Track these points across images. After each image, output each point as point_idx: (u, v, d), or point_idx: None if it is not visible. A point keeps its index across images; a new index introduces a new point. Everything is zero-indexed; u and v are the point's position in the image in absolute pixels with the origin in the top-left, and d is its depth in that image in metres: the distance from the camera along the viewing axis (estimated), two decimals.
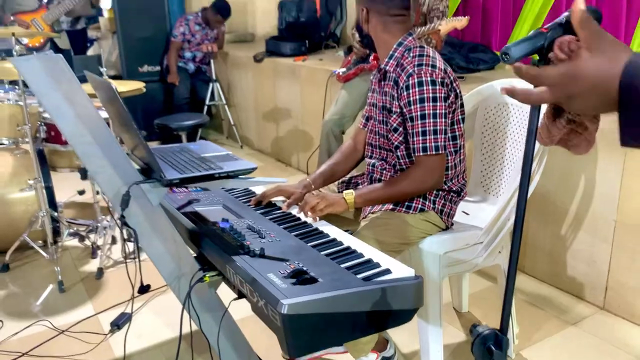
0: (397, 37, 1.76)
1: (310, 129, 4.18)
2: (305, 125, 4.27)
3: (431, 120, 1.67)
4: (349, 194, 1.70)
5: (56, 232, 2.96)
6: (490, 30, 3.46)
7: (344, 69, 3.16)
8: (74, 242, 3.13)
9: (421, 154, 1.69)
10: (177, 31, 5.05)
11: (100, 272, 2.75)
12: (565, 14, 0.86)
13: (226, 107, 5.21)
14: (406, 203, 1.79)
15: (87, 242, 3.09)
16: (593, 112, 0.81)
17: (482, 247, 1.89)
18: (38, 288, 2.67)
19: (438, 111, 1.67)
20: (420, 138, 1.69)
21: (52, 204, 2.97)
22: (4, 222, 2.84)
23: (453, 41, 3.45)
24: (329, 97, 3.37)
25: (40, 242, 2.93)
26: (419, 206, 1.79)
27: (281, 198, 1.75)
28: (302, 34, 4.52)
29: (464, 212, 2.07)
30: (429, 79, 1.66)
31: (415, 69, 1.68)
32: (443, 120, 1.69)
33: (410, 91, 1.67)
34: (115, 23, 5.24)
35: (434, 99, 1.66)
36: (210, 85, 5.11)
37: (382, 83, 1.83)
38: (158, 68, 5.30)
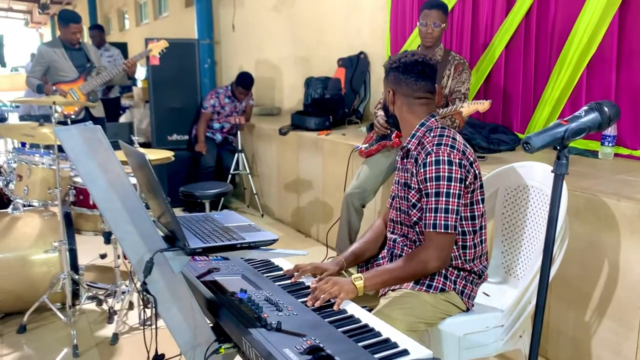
0: (421, 118, 1.83)
1: (331, 200, 4.22)
2: (326, 197, 4.32)
3: (444, 199, 1.69)
4: (358, 280, 1.66)
5: (75, 295, 2.98)
6: (511, 111, 3.53)
7: (366, 145, 3.23)
8: (92, 305, 3.13)
9: (431, 230, 1.71)
10: (208, 103, 5.25)
11: (116, 337, 2.74)
12: (585, 107, 0.89)
13: (250, 176, 5.31)
14: (427, 282, 1.78)
15: (105, 307, 3.09)
16: None
17: (502, 330, 1.85)
18: (53, 351, 2.65)
19: (452, 191, 1.69)
20: (433, 215, 1.70)
21: (74, 266, 3.00)
22: (25, 282, 2.88)
23: (474, 122, 3.53)
24: (351, 171, 3.43)
25: (59, 304, 2.95)
26: (440, 286, 1.78)
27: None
28: (326, 110, 4.66)
29: (484, 293, 2.04)
30: (446, 158, 1.70)
31: (434, 147, 1.72)
32: (456, 200, 1.70)
33: (427, 168, 1.71)
34: (148, 93, 5.48)
35: (449, 179, 1.69)
36: (236, 155, 5.24)
37: (405, 161, 1.88)
38: (186, 137, 5.48)
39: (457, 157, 1.71)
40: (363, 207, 3.22)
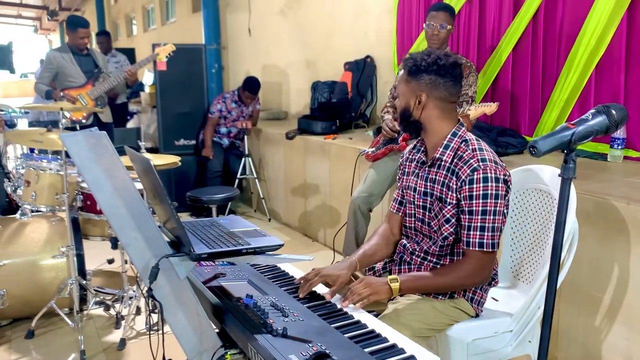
0: (451, 126, 1.76)
1: (338, 205, 4.21)
2: (332, 201, 4.31)
3: (491, 217, 1.65)
4: (394, 281, 1.65)
5: (83, 300, 2.99)
6: (518, 114, 3.51)
7: (373, 149, 3.22)
8: (99, 310, 3.14)
9: (477, 249, 1.66)
10: (215, 108, 5.27)
11: (123, 342, 2.74)
12: (592, 110, 0.88)
13: (257, 181, 5.31)
14: None
15: (112, 312, 3.09)
16: None
17: (511, 335, 1.83)
18: (60, 357, 2.66)
19: (498, 209, 1.66)
20: (478, 233, 1.66)
21: (82, 271, 3.01)
22: (34, 288, 2.89)
23: (482, 125, 3.51)
24: (357, 175, 3.42)
25: (67, 309, 2.95)
26: (449, 292, 1.76)
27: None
28: (333, 114, 4.66)
29: (493, 298, 2.02)
30: (494, 175, 1.64)
31: (481, 164, 1.66)
32: (501, 218, 1.68)
33: (475, 185, 1.65)
34: (155, 98, 5.50)
35: (497, 196, 1.65)
36: (243, 159, 5.25)
37: (429, 169, 1.80)
38: (193, 142, 5.49)
39: (502, 173, 1.66)
40: (370, 211, 3.21)
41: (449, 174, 1.73)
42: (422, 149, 1.86)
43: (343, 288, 1.65)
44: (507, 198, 1.70)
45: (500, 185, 1.65)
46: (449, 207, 1.73)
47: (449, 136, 1.75)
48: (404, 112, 1.79)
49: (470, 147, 1.71)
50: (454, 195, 1.71)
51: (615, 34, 2.85)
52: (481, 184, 1.65)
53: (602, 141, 3.01)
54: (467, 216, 1.68)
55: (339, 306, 1.53)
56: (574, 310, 2.43)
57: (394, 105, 3.28)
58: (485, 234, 1.66)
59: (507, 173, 1.70)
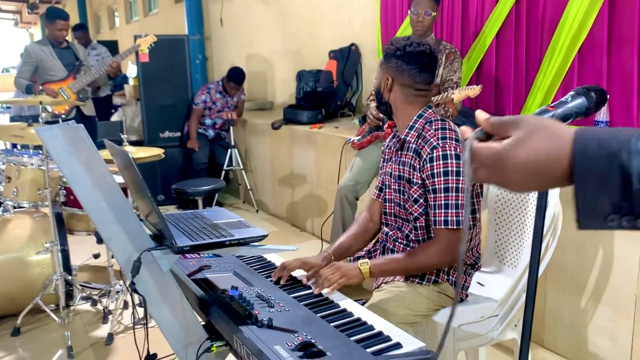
0: (417, 109, 1.78)
1: (325, 194, 4.21)
2: (320, 190, 4.30)
3: (454, 194, 1.66)
4: (364, 264, 1.66)
5: (69, 296, 2.96)
6: (503, 99, 3.52)
7: (358, 137, 3.21)
8: (86, 306, 3.12)
9: (442, 227, 1.67)
10: (199, 99, 5.22)
11: (111, 337, 2.72)
12: (571, 92, 0.88)
13: (243, 172, 5.28)
14: (419, 274, 1.76)
15: (99, 307, 3.07)
16: (536, 190, 0.75)
17: (497, 320, 1.84)
18: (47, 353, 2.64)
19: (461, 185, 1.66)
20: (443, 211, 1.67)
21: (67, 267, 2.98)
22: (19, 284, 2.86)
23: (467, 110, 3.51)
24: (344, 164, 3.41)
25: (53, 305, 2.93)
26: (433, 277, 1.77)
27: (301, 272, 1.70)
28: (318, 103, 4.64)
29: (478, 283, 2.03)
30: (453, 152, 1.66)
31: (440, 142, 1.68)
32: (464, 195, 1.68)
33: (435, 163, 1.67)
34: (139, 90, 5.44)
35: (458, 173, 1.65)
36: (229, 151, 5.22)
37: (400, 152, 1.83)
38: (179, 134, 5.45)
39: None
40: (357, 199, 3.21)
41: (414, 155, 1.75)
42: (397, 134, 1.88)
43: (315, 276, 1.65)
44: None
45: (460, 162, 1.65)
46: (415, 187, 1.75)
47: (414, 117, 1.78)
48: (377, 93, 1.86)
49: (434, 127, 1.73)
50: (419, 174, 1.73)
51: (596, 18, 2.86)
52: (441, 161, 1.67)
53: (586, 124, 3.03)
54: (431, 195, 1.70)
55: (324, 295, 1.53)
56: (559, 292, 2.46)
57: None
58: (450, 211, 1.66)
59: None
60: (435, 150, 1.67)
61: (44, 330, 2.86)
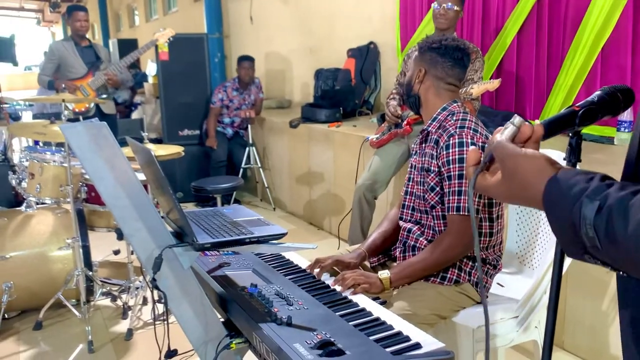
0: (445, 102, 1.81)
1: (343, 193, 4.20)
2: (337, 189, 4.30)
3: (467, 181, 1.65)
4: (384, 275, 1.66)
5: (89, 291, 3.00)
6: (524, 98, 3.47)
7: (377, 135, 3.20)
8: (106, 301, 3.16)
9: (454, 213, 1.67)
10: (216, 97, 5.25)
11: (130, 333, 2.75)
12: (598, 92, 0.86)
13: (261, 170, 5.30)
14: (441, 274, 1.75)
15: (119, 302, 3.11)
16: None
17: (517, 321, 1.82)
18: (68, 348, 2.68)
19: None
20: (456, 197, 1.67)
21: (88, 263, 3.02)
22: (41, 279, 2.90)
23: (487, 109, 3.48)
24: (362, 163, 3.40)
25: (74, 300, 2.97)
26: (454, 277, 1.76)
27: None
28: (337, 101, 4.63)
29: (498, 284, 2.01)
30: (469, 140, 1.68)
31: (457, 130, 1.70)
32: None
33: (450, 150, 1.69)
34: (158, 88, 5.49)
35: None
36: (247, 149, 5.24)
37: (424, 145, 1.85)
38: (197, 132, 5.48)
39: (481, 140, 1.69)
40: (375, 198, 3.20)
41: (434, 144, 1.77)
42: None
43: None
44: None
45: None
46: (432, 175, 1.76)
47: (439, 110, 1.80)
48: (407, 85, 1.87)
49: (455, 118, 1.75)
50: (436, 162, 1.74)
51: (621, 15, 2.81)
52: (457, 149, 1.68)
53: (609, 124, 2.98)
54: (446, 182, 1.70)
55: (343, 294, 1.53)
56: (581, 294, 2.42)
57: (399, 93, 3.25)
58: (462, 197, 1.66)
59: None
60: (452, 138, 1.69)
61: (65, 325, 2.90)
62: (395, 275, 1.67)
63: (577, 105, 0.83)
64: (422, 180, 1.82)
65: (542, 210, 0.71)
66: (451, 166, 1.68)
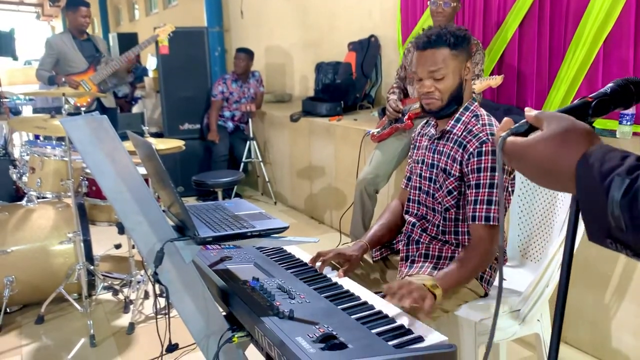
0: (466, 100, 1.78)
1: (344, 186, 4.20)
2: (338, 183, 4.29)
3: (498, 191, 1.63)
4: (437, 289, 1.54)
5: (91, 285, 3.01)
6: (525, 92, 3.46)
7: (378, 129, 3.20)
8: (108, 295, 3.16)
9: (483, 222, 1.65)
10: (216, 90, 5.24)
11: (132, 327, 2.75)
12: (610, 84, 0.85)
13: (262, 164, 5.30)
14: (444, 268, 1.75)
15: (121, 296, 3.11)
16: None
17: (519, 314, 1.82)
18: (70, 341, 2.68)
19: (505, 183, 1.65)
20: (485, 207, 1.64)
21: (89, 257, 3.02)
22: (42, 273, 2.90)
23: (488, 103, 3.46)
24: (363, 157, 3.40)
25: (75, 294, 2.97)
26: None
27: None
28: (337, 95, 4.62)
29: None
30: None
31: (490, 137, 1.67)
32: (506, 195, 1.68)
33: (483, 158, 1.65)
34: (159, 82, 5.47)
35: (503, 171, 1.63)
36: (248, 143, 5.23)
37: (438, 142, 1.81)
38: (198, 126, 5.47)
39: None
40: (376, 192, 3.20)
41: (457, 147, 1.73)
42: (433, 122, 1.88)
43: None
44: (512, 176, 1.69)
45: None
46: (452, 179, 1.73)
47: (461, 110, 1.76)
48: (458, 88, 1.72)
49: (481, 121, 1.72)
50: (459, 167, 1.71)
51: (623, 8, 2.79)
52: (490, 157, 1.64)
53: (611, 117, 2.97)
54: (473, 190, 1.67)
55: (345, 287, 1.52)
56: (582, 287, 2.42)
57: (400, 87, 3.24)
58: (492, 207, 1.64)
59: None
60: (484, 145, 1.66)
61: (66, 319, 2.91)
62: (443, 284, 1.56)
63: (590, 96, 0.83)
64: (434, 178, 1.80)
65: (563, 189, 0.68)
66: (482, 174, 1.65)
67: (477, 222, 1.66)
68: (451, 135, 1.76)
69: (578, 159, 0.67)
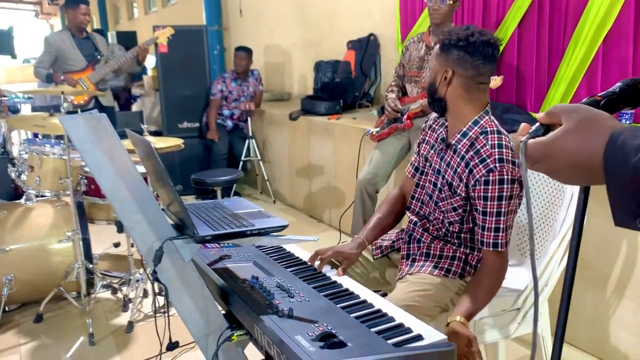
0: (475, 111, 1.69)
1: (343, 185, 4.20)
2: (337, 182, 4.29)
3: (505, 218, 1.63)
4: (464, 322, 1.56)
5: (90, 284, 3.00)
6: (524, 91, 3.46)
7: (377, 129, 3.19)
8: (107, 294, 3.16)
9: (491, 249, 1.65)
10: (215, 89, 5.24)
11: (131, 325, 2.75)
12: (619, 83, 0.85)
13: (261, 162, 5.29)
14: (446, 267, 1.75)
15: (120, 295, 3.11)
16: (581, 184, 0.84)
17: (518, 313, 1.82)
18: (69, 340, 2.68)
19: (511, 208, 1.64)
20: (492, 234, 1.64)
21: (88, 255, 3.02)
22: (41, 272, 2.90)
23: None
24: (362, 156, 3.39)
25: (74, 293, 2.97)
26: (459, 271, 1.75)
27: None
28: (336, 94, 4.61)
29: None
30: (510, 177, 1.60)
31: (497, 165, 1.61)
32: (512, 216, 1.68)
33: (490, 187, 1.61)
34: (158, 81, 5.47)
35: (511, 197, 1.62)
36: (247, 141, 5.23)
37: (446, 150, 1.77)
38: (197, 125, 5.47)
39: (518, 174, 1.61)
40: (376, 192, 3.20)
41: (462, 164, 1.69)
42: (446, 124, 1.80)
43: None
44: (520, 195, 1.67)
45: (515, 186, 1.62)
46: (457, 197, 1.72)
47: (469, 123, 1.68)
48: (430, 88, 1.73)
49: (490, 142, 1.64)
50: (464, 188, 1.69)
51: (623, 7, 2.79)
52: (497, 186, 1.61)
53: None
54: (481, 216, 1.66)
55: (344, 286, 1.52)
56: (581, 286, 2.42)
57: (398, 85, 3.24)
58: (500, 234, 1.64)
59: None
60: (492, 174, 1.61)
61: (65, 318, 2.91)
62: (465, 316, 1.58)
63: (599, 95, 0.83)
64: (439, 186, 1.78)
65: (591, 180, 0.68)
66: (489, 202, 1.63)
67: (486, 248, 1.67)
68: (457, 149, 1.71)
69: (606, 141, 0.66)
